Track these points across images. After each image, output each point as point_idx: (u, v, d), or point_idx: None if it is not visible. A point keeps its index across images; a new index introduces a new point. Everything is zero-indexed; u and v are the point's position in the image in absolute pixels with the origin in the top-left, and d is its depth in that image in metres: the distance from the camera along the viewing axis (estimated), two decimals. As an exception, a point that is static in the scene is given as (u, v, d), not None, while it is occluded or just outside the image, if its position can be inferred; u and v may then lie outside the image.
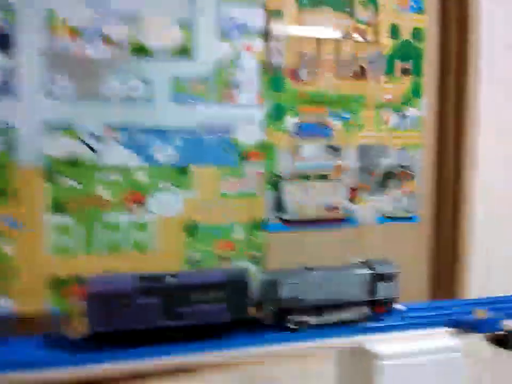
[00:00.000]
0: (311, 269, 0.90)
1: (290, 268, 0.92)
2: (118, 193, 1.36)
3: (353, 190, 1.68)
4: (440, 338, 0.87)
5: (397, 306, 0.98)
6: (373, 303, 0.93)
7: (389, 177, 1.74)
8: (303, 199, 1.61)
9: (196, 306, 0.77)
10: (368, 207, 1.73)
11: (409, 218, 1.79)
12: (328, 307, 0.89)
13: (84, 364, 0.74)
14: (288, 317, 0.86)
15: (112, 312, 0.73)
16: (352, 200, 1.69)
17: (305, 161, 1.61)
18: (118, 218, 1.37)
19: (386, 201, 1.75)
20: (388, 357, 0.81)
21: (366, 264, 0.95)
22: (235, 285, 0.81)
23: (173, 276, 0.80)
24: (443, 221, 1.84)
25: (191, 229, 1.47)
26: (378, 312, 0.93)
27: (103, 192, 1.36)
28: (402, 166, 1.77)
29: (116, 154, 1.37)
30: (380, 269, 0.92)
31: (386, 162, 1.73)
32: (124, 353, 0.76)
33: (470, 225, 1.81)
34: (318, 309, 0.88)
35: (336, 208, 1.66)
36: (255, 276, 0.90)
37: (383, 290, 0.92)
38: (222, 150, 1.50)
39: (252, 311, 0.84)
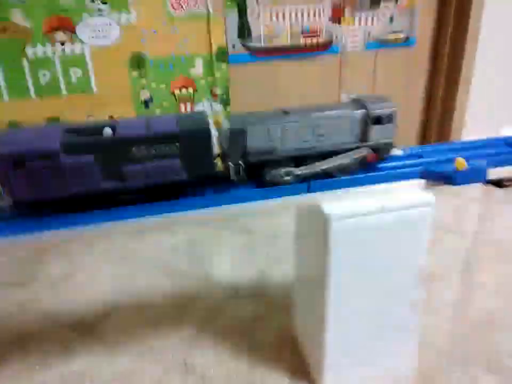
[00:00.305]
0: (287, 113, 0.68)
1: (262, 112, 0.69)
2: (38, 18, 1.08)
3: (336, 6, 1.36)
4: (411, 192, 0.69)
5: (395, 151, 0.75)
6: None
7: (382, -12, 1.39)
8: (274, 22, 1.31)
9: (143, 164, 0.61)
10: (354, 30, 1.42)
11: (405, 41, 1.50)
12: (310, 157, 0.69)
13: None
14: (265, 170, 0.67)
15: (32, 177, 0.58)
16: (334, 21, 1.37)
17: (275, -31, 1.25)
18: (45, 51, 1.11)
19: (377, 21, 1.44)
20: (339, 217, 0.65)
21: (357, 102, 0.72)
22: (191, 136, 0.62)
23: (111, 126, 0.62)
24: (443, 44, 1.54)
25: (137, 63, 1.21)
26: (370, 160, 0.72)
27: (19, 18, 1.07)
28: (400, -28, 1.40)
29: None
30: (374, 108, 0.69)
31: (380, -34, 1.36)
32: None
33: (473, 50, 1.52)
34: (298, 160, 0.69)
35: (316, 32, 1.36)
36: (219, 123, 0.68)
37: (377, 134, 0.70)
38: (164, -47, 1.15)
39: (214, 166, 0.65)
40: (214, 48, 1.26)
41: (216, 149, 0.65)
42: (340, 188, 0.70)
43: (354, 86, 1.50)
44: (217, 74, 1.29)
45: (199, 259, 1.21)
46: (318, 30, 1.36)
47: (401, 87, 1.55)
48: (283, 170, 0.67)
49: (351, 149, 0.70)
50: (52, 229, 0.62)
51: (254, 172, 0.67)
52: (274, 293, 1.07)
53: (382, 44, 1.47)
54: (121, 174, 0.61)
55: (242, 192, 0.68)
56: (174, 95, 1.27)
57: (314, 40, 1.37)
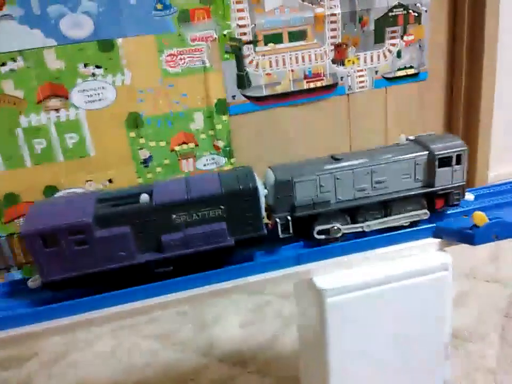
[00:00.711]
0: (337, 159, 0.61)
1: (309, 159, 0.63)
2: (30, 87, 1.07)
3: (338, 47, 1.30)
4: (422, 254, 0.59)
5: (467, 196, 0.66)
6: (431, 196, 0.63)
7: (386, 24, 1.33)
8: (274, 68, 1.26)
9: (183, 231, 0.55)
10: (360, 69, 1.36)
11: (414, 76, 1.42)
12: (367, 207, 0.61)
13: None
14: (315, 226, 0.59)
15: (63, 255, 0.52)
16: (338, 61, 1.31)
17: (272, 16, 1.22)
18: (39, 120, 1.09)
19: (384, 58, 1.37)
20: (335, 291, 0.55)
21: (417, 143, 0.64)
22: (237, 196, 0.55)
23: (147, 192, 0.56)
24: (459, 77, 1.46)
25: (134, 123, 1.17)
26: (438, 207, 0.63)
27: (12, 89, 1.06)
28: (404, 6, 1.34)
29: (14, 35, 1.04)
30: (438, 149, 0.61)
31: (382, 2, 1.31)
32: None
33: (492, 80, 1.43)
34: (353, 210, 0.61)
35: (319, 75, 1.30)
36: (263, 177, 0.61)
37: (444, 178, 0.62)
38: (154, 12, 1.13)
39: (264, 227, 0.58)
40: (213, 100, 1.21)
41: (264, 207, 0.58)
42: (345, 253, 0.60)
43: (365, 125, 1.42)
44: (218, 127, 1.24)
45: (205, 325, 1.11)
46: (321, 73, 1.31)
47: (416, 124, 1.46)
48: (335, 226, 0.59)
49: (414, 196, 0.62)
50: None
51: (302, 227, 0.60)
52: (286, 364, 0.96)
53: (391, 81, 1.40)
54: (159, 245, 0.55)
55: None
56: (175, 152, 1.22)
57: (318, 84, 1.31)
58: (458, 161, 0.62)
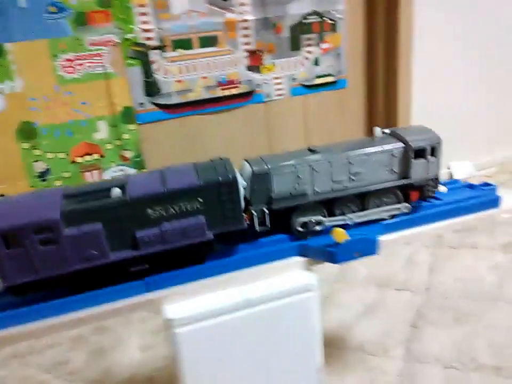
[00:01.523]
0: (314, 151, 0.60)
1: (286, 152, 0.61)
2: None
3: (252, 54, 1.27)
4: (286, 276, 0.56)
5: (440, 189, 0.67)
6: (406, 189, 0.63)
7: (301, 32, 1.31)
8: (185, 75, 1.21)
9: (159, 226, 0.51)
10: (277, 76, 1.33)
11: (334, 84, 1.41)
12: (343, 199, 0.61)
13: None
14: (295, 218, 0.58)
15: (28, 256, 0.48)
16: (253, 68, 1.28)
17: (179, 21, 1.16)
18: None
19: (301, 66, 1.35)
20: (186, 320, 0.51)
21: (393, 136, 0.64)
22: (216, 188, 0.52)
23: (119, 186, 0.52)
24: (377, 84, 1.46)
25: (27, 133, 1.08)
26: (413, 200, 0.64)
27: None
28: (319, 14, 1.33)
29: None
30: (414, 141, 0.61)
31: (296, 9, 1.29)
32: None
33: (409, 87, 1.44)
34: (330, 202, 0.60)
35: (233, 83, 1.26)
36: (241, 169, 0.58)
37: (419, 170, 0.62)
38: (47, 15, 1.05)
39: (244, 220, 0.56)
40: (119, 109, 1.14)
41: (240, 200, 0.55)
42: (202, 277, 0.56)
43: (285, 133, 1.39)
44: (126, 137, 1.17)
45: (101, 351, 1.04)
46: (236, 80, 1.27)
47: (336, 131, 1.45)
48: (313, 218, 0.58)
49: (390, 188, 0.62)
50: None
51: (280, 220, 0.58)
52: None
53: (310, 88, 1.38)
54: (134, 241, 0.51)
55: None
56: (77, 164, 1.14)
57: (234, 91, 1.27)
58: (433, 154, 0.62)
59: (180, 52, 1.18)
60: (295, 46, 1.31)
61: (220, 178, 0.52)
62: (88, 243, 0.49)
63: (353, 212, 0.61)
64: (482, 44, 1.64)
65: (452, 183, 0.73)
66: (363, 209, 0.62)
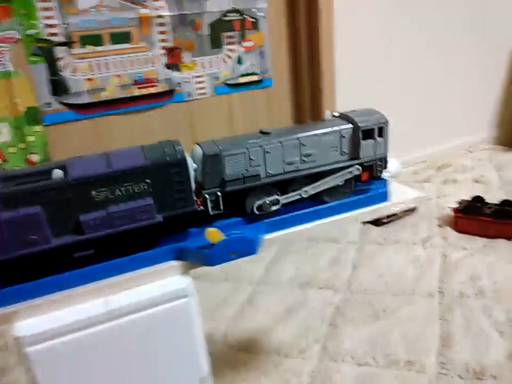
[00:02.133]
0: (266, 133, 0.60)
1: (238, 135, 0.61)
2: None
3: (171, 51, 1.23)
4: (158, 282, 0.52)
5: (390, 167, 0.68)
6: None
7: (221, 29, 1.28)
8: (96, 73, 1.15)
9: (105, 209, 0.49)
10: (198, 75, 1.30)
11: (259, 83, 1.39)
12: (296, 181, 0.61)
13: None
14: (247, 199, 0.58)
15: None
16: (172, 66, 1.24)
17: (88, 16, 1.11)
18: None
19: (224, 64, 1.32)
20: (38, 339, 0.46)
21: (343, 118, 0.65)
22: (165, 168, 0.51)
23: (61, 167, 0.49)
24: (302, 82, 1.46)
25: None
26: (364, 180, 0.65)
27: None
28: (239, 11, 1.31)
29: None
30: (362, 121, 0.63)
31: (215, 6, 1.26)
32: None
33: (332, 85, 1.45)
34: (283, 184, 0.60)
35: (151, 81, 1.22)
36: (192, 153, 0.56)
37: (368, 150, 0.64)
38: None
39: (195, 202, 0.54)
40: (22, 109, 1.07)
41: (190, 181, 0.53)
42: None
43: (209, 132, 1.36)
44: (31, 139, 1.10)
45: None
46: (154, 79, 1.22)
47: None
48: (268, 199, 0.58)
49: (342, 168, 0.63)
50: None
51: (233, 203, 0.58)
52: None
53: (234, 87, 1.35)
54: (78, 225, 0.48)
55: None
56: (-24, 168, 1.05)
57: (152, 90, 1.22)
58: (380, 134, 0.64)
59: (90, 48, 1.12)
60: (216, 43, 1.28)
61: (168, 158, 0.51)
62: (27, 227, 0.46)
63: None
64: (407, 41, 1.68)
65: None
66: None
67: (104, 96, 1.17)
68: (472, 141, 2.07)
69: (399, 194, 0.69)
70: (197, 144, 0.57)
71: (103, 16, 1.12)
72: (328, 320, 1.02)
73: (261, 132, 0.61)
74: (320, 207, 0.63)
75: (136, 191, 0.50)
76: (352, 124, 0.63)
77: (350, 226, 1.44)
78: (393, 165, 1.56)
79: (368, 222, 1.45)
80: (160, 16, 1.18)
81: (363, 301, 1.08)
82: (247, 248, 0.54)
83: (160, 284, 0.53)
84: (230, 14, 1.27)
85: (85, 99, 1.15)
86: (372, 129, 0.63)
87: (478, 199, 1.37)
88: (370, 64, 1.56)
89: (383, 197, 0.66)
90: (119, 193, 0.49)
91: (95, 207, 0.49)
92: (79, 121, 1.16)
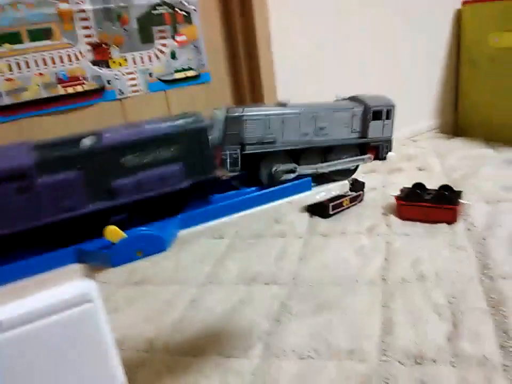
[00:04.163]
0: (283, 104, 0.63)
1: (258, 104, 0.66)
2: None
3: (97, 47, 1.17)
4: (59, 288, 0.48)
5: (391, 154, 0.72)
6: (363, 148, 0.70)
7: (151, 23, 1.23)
8: (16, 72, 1.07)
9: (135, 175, 0.51)
10: (130, 71, 1.24)
11: (196, 78, 1.35)
12: (308, 152, 0.64)
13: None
14: (262, 164, 0.61)
15: (2, 207, 0.44)
16: (100, 63, 1.18)
17: (2, 13, 1.03)
18: None
19: (157, 59, 1.27)
20: None
21: (354, 99, 0.70)
22: (189, 135, 0.54)
23: (93, 135, 0.51)
24: (241, 75, 1.43)
25: None
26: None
27: None
28: (169, 4, 1.26)
29: None
30: (372, 103, 0.68)
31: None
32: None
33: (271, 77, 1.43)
34: (295, 153, 0.64)
35: (78, 79, 1.15)
36: (213, 115, 0.59)
37: (376, 131, 0.69)
38: None
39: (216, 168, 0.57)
40: None
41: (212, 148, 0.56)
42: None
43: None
44: None
45: None
46: (81, 76, 1.16)
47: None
48: (284, 167, 0.62)
49: (351, 145, 0.68)
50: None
51: (249, 166, 0.61)
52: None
53: (169, 83, 1.31)
54: (111, 191, 0.50)
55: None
56: None
57: (79, 88, 1.16)
58: (388, 117, 0.69)
59: (7, 47, 1.05)
60: (146, 38, 1.23)
61: (192, 127, 0.54)
62: (64, 192, 0.47)
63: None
64: (355, 27, 1.69)
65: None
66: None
67: (26, 96, 1.10)
68: (416, 130, 2.12)
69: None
70: (216, 109, 0.60)
71: (19, 13, 1.05)
72: (273, 316, 1.00)
73: (279, 104, 0.63)
74: (240, 198, 0.60)
75: (164, 157, 0.52)
76: (364, 105, 0.67)
77: (296, 219, 1.43)
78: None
79: (315, 215, 1.45)
80: (82, 11, 1.12)
81: (308, 293, 1.06)
82: (155, 245, 0.50)
83: (61, 289, 0.48)
84: (160, 7, 1.23)
85: (6, 100, 1.07)
86: (381, 111, 0.68)
87: (418, 186, 1.39)
88: (308, 55, 1.56)
89: (307, 186, 0.64)
90: (149, 159, 0.52)
91: (126, 173, 0.50)
92: (1, 124, 1.08)
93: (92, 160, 0.48)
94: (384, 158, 0.71)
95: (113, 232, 0.48)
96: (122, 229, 0.49)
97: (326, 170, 0.65)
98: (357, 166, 0.70)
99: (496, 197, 1.42)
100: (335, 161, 0.66)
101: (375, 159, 0.71)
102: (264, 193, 0.61)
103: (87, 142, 0.50)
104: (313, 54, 1.58)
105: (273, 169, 0.61)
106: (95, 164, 0.49)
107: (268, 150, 0.61)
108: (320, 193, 0.65)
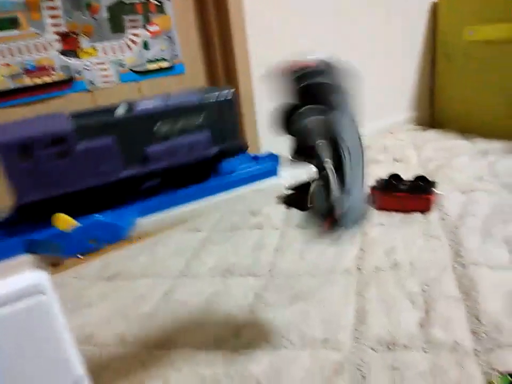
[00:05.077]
0: None
1: None
2: None
3: (66, 37, 1.14)
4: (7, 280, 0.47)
5: None
6: None
7: (122, 12, 1.21)
8: (-21, 61, 1.04)
9: (167, 141, 0.54)
10: (100, 62, 1.21)
11: (170, 69, 1.33)
12: None
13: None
14: None
15: (41, 170, 0.46)
16: (69, 53, 1.15)
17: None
18: None
19: (129, 50, 1.25)
20: None
21: None
22: (217, 105, 0.56)
23: (126, 105, 0.53)
24: (216, 66, 1.42)
25: None
26: None
27: None
28: (140, -6, 1.24)
29: None
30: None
31: (112, -12, 1.18)
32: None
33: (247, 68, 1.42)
34: None
35: (46, 69, 1.12)
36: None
37: None
38: None
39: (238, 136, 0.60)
40: None
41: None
42: None
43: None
44: None
45: None
46: (49, 67, 1.13)
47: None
48: None
49: None
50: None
51: None
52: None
53: (142, 74, 1.28)
54: (144, 157, 0.53)
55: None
56: None
57: (47, 79, 1.13)
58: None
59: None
60: (117, 28, 1.21)
61: (221, 97, 0.56)
62: (101, 158, 0.49)
63: None
64: (329, 19, 1.68)
65: (241, 156, 0.69)
66: None
67: (-6, 86, 1.06)
68: (393, 123, 2.13)
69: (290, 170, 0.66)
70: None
71: (-19, -3, 1.01)
72: (248, 308, 0.99)
73: None
74: (202, 186, 0.59)
75: (193, 126, 0.55)
76: None
77: (273, 211, 1.43)
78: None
79: (292, 206, 1.44)
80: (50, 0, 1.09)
81: (283, 284, 1.06)
82: (110, 234, 0.48)
83: (12, 281, 0.46)
84: (130, -3, 1.20)
85: (-33, 91, 1.03)
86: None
87: (394, 177, 1.40)
88: (284, 42, 1.55)
89: (273, 172, 0.63)
90: (179, 127, 0.54)
91: (158, 140, 0.53)
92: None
93: (126, 128, 0.51)
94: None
95: (64, 221, 0.46)
96: (153, 194, 0.53)
97: None
98: None
99: (469, 187, 1.44)
100: None
101: None
102: (228, 180, 0.60)
103: (121, 110, 0.52)
104: (289, 41, 1.57)
105: None
106: (129, 131, 0.51)
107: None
108: (286, 178, 0.64)
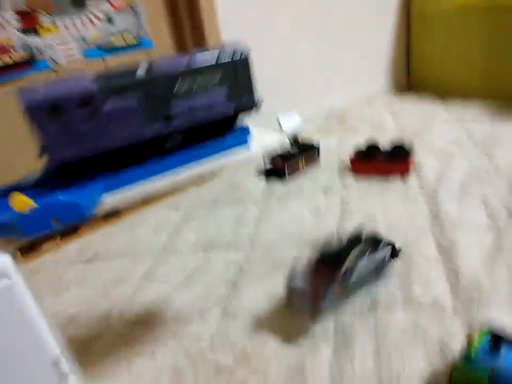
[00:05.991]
0: None
1: None
2: None
3: (24, 14, 1.08)
4: None
5: None
6: None
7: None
8: None
9: (187, 100, 0.55)
10: (62, 38, 1.16)
11: (138, 45, 1.29)
12: None
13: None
14: None
15: (71, 128, 0.48)
16: (29, 30, 1.10)
17: None
18: None
19: (91, 25, 1.20)
20: None
21: None
22: (234, 64, 0.57)
23: (146, 65, 0.53)
24: (185, 41, 1.37)
25: None
26: None
27: None
28: (100, -35, 1.18)
29: None
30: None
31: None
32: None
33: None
34: None
35: (5, 49, 1.07)
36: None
37: None
38: None
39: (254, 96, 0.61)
40: None
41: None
42: None
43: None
44: None
45: None
46: (8, 46, 1.07)
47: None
48: None
49: None
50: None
51: None
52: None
53: (107, 50, 1.24)
54: (167, 115, 0.54)
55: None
56: None
57: (7, 59, 1.08)
58: None
59: None
60: (78, 2, 1.15)
61: (237, 57, 0.58)
62: (127, 117, 0.51)
63: None
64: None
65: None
66: None
67: None
68: (369, 90, 2.12)
69: (260, 140, 0.65)
70: None
71: None
72: (230, 281, 0.99)
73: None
74: (172, 160, 0.57)
75: (212, 83, 0.56)
76: None
77: (253, 184, 1.42)
78: (294, 120, 1.55)
79: (271, 177, 1.44)
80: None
81: (264, 256, 1.06)
82: (72, 213, 0.47)
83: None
84: (89, -32, 1.14)
85: None
86: None
87: (372, 144, 1.39)
88: (257, 13, 1.51)
89: (245, 146, 0.62)
90: (198, 86, 0.55)
91: (179, 99, 0.54)
92: None
93: (149, 88, 0.52)
94: None
95: (20, 201, 0.44)
96: (175, 152, 0.55)
97: None
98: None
99: (447, 151, 1.44)
100: None
101: None
102: (197, 152, 0.59)
103: (141, 71, 0.52)
104: (260, 12, 1.53)
105: None
106: (152, 91, 0.52)
107: None
108: (256, 148, 0.63)
